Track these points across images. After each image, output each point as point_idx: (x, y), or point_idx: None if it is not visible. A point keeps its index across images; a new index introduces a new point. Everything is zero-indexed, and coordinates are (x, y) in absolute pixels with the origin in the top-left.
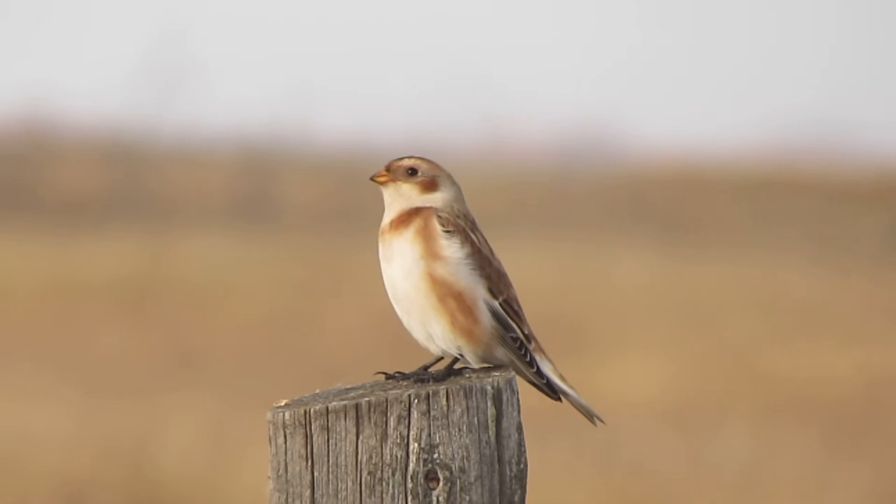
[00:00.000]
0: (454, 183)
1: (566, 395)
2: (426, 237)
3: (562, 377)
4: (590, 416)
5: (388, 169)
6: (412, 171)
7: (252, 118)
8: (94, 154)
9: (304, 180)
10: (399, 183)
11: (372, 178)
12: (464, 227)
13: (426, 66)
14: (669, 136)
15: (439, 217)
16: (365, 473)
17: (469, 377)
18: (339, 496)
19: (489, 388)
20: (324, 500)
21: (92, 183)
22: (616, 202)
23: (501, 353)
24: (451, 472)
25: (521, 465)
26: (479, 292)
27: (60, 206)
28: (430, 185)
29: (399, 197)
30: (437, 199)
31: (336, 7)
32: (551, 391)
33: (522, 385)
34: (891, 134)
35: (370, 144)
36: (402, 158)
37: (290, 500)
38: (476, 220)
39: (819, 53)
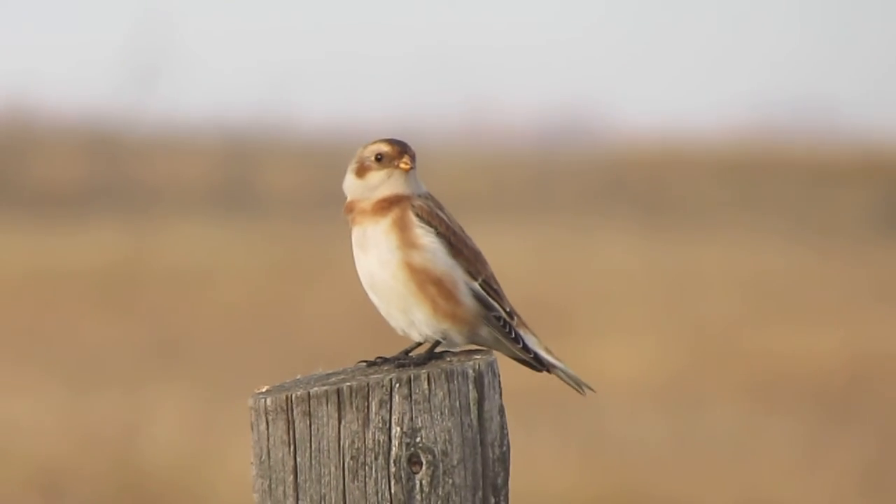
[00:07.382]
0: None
1: (554, 367)
2: (402, 227)
3: (548, 350)
4: (578, 386)
5: (411, 156)
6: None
7: (233, 105)
8: (76, 143)
9: (285, 167)
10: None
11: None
12: (439, 213)
13: (408, 48)
14: (651, 118)
15: (413, 206)
16: (348, 458)
17: (450, 361)
18: (322, 481)
19: (470, 371)
20: (307, 485)
21: (73, 172)
22: (598, 184)
23: (486, 332)
24: (434, 456)
25: (504, 448)
26: (458, 275)
27: (42, 196)
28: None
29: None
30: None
31: None
32: (539, 365)
33: (505, 368)
34: (872, 112)
35: (351, 130)
36: (396, 142)
37: (273, 485)
38: (442, 203)
39: (801, 31)
